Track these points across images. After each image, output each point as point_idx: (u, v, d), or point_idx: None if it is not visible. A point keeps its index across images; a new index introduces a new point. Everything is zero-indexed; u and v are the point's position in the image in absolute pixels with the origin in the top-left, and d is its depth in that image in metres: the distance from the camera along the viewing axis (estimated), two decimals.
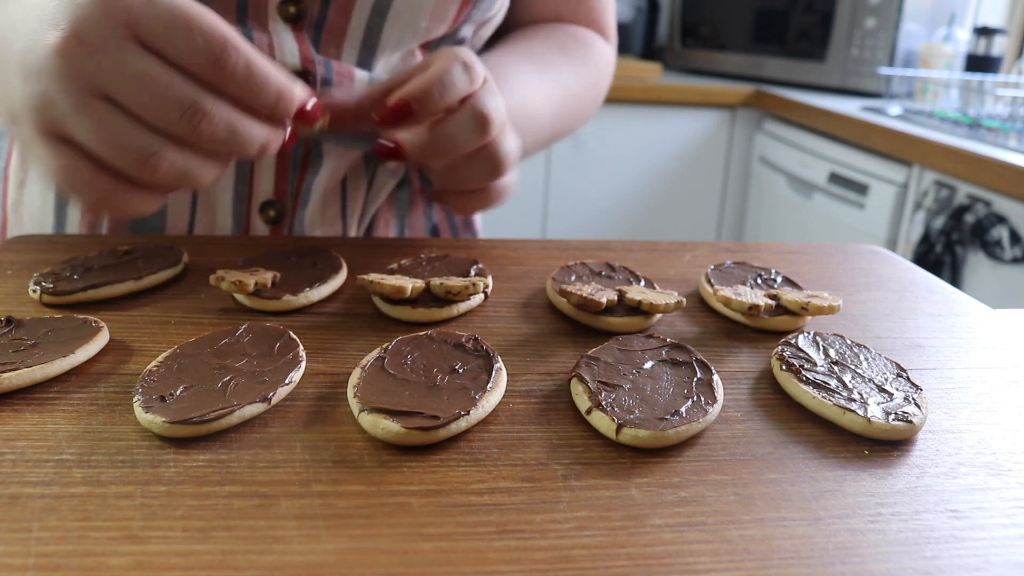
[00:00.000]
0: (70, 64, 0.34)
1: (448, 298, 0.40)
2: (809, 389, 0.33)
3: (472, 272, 0.45)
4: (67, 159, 0.35)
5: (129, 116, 0.35)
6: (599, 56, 0.67)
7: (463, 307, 0.41)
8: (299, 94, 0.38)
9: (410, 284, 0.40)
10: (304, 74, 0.51)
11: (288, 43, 0.50)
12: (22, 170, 0.57)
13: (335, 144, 0.55)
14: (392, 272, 0.44)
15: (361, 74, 0.53)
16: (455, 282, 0.41)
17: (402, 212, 0.61)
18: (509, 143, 0.46)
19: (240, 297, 0.40)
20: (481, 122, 0.43)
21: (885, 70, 1.73)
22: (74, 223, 0.55)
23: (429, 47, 0.58)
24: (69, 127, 0.35)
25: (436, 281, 0.41)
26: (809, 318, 0.42)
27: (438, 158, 0.44)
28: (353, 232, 0.59)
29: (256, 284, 0.39)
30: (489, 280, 0.43)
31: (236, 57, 0.35)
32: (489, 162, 0.45)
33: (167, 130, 0.35)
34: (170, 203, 0.54)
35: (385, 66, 0.55)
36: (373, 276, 0.40)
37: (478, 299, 0.42)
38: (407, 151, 0.44)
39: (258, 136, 0.37)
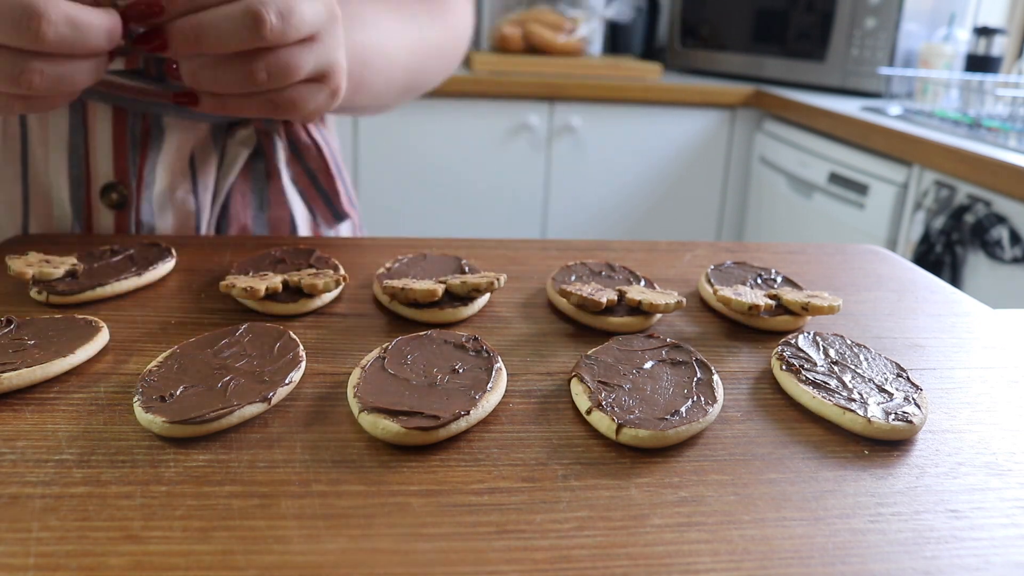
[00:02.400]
0: None
1: (471, 296, 0.40)
2: (809, 389, 0.33)
3: (323, 264, 0.44)
4: None
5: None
6: (460, 12, 0.65)
7: (476, 305, 0.41)
8: None
9: (426, 285, 0.40)
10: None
11: None
12: None
13: (176, 117, 0.52)
14: (253, 273, 0.43)
15: None
16: (475, 279, 0.41)
17: (259, 185, 0.58)
18: (302, 55, 0.41)
19: (249, 302, 0.40)
20: (254, 20, 0.38)
21: (885, 70, 1.73)
22: None
23: None
24: None
25: (456, 280, 0.41)
26: (809, 318, 0.42)
27: (193, 49, 0.39)
28: (207, 212, 0.56)
29: (267, 289, 0.39)
30: (502, 278, 0.41)
31: None
32: (259, 69, 0.40)
33: (16, 44, 0.36)
34: (0, 200, 0.52)
35: None
36: (404, 282, 0.40)
37: (484, 299, 0.42)
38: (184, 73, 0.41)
39: (100, 23, 0.37)
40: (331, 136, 0.66)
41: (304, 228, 0.61)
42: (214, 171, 0.56)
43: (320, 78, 0.43)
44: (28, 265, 0.41)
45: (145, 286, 0.43)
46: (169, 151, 0.53)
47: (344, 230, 0.66)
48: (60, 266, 0.41)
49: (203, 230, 0.56)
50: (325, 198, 0.60)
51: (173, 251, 0.45)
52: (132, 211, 0.53)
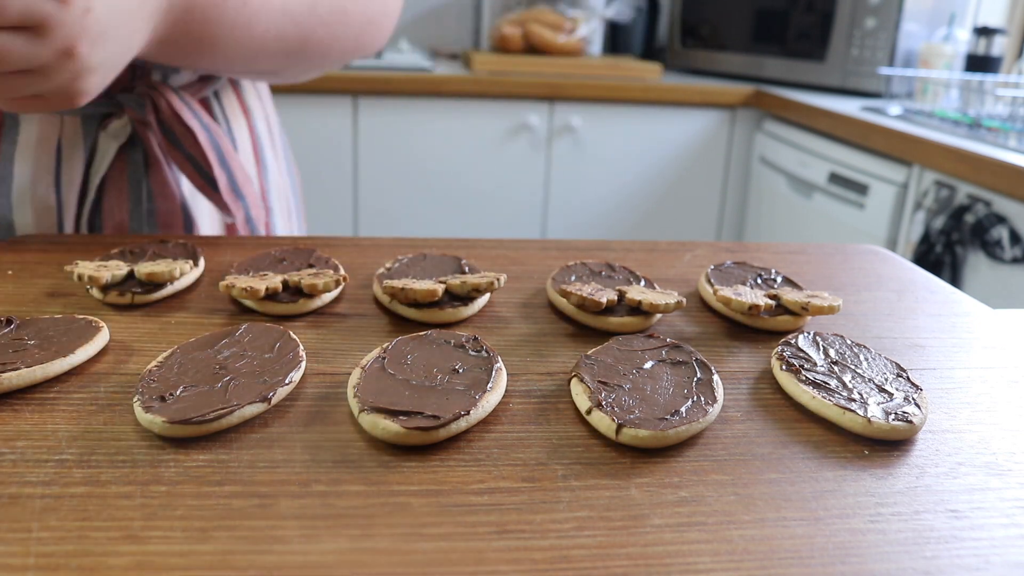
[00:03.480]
0: None
1: (472, 295, 0.40)
2: (809, 389, 0.33)
3: (323, 264, 0.44)
4: None
5: None
6: None
7: (476, 305, 0.41)
8: None
9: (426, 285, 0.40)
10: None
11: None
12: None
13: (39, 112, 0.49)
14: (253, 273, 0.43)
15: None
16: (475, 279, 0.41)
17: (137, 177, 0.54)
18: (82, 55, 0.38)
19: (249, 302, 0.40)
20: (40, 30, 0.35)
21: (885, 70, 1.73)
22: None
23: None
24: None
25: (456, 280, 0.41)
26: (809, 318, 0.42)
27: None
28: (72, 208, 0.53)
29: (267, 289, 0.39)
30: (502, 278, 0.41)
31: None
32: (50, 77, 0.37)
33: None
34: None
35: None
36: (404, 282, 0.40)
37: (484, 299, 0.42)
38: None
39: None
40: (235, 122, 0.61)
41: (206, 221, 0.57)
42: (81, 165, 0.53)
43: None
44: (95, 270, 0.40)
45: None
46: (27, 144, 0.51)
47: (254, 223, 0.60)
48: (120, 268, 0.41)
49: (67, 227, 0.53)
50: (213, 187, 0.55)
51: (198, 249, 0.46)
52: None
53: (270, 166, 0.65)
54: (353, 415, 0.30)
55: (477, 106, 1.77)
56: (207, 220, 0.58)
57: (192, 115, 0.54)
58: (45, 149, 0.51)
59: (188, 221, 0.56)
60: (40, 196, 0.52)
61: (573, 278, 0.44)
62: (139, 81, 0.53)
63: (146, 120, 0.53)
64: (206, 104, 0.59)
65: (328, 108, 1.73)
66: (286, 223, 0.68)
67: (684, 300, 0.40)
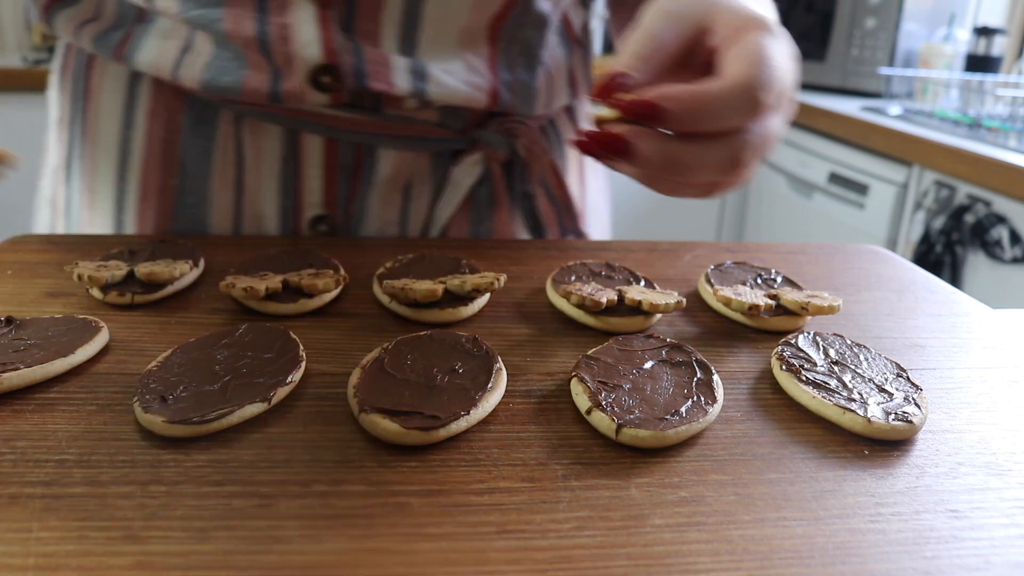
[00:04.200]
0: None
1: (472, 295, 0.40)
2: (809, 389, 0.33)
3: (323, 264, 0.45)
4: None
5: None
6: None
7: (476, 305, 0.41)
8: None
9: (426, 285, 0.40)
10: (328, 69, 0.46)
11: (307, 30, 0.45)
12: (90, 192, 0.55)
13: (391, 147, 0.50)
14: (253, 273, 0.43)
15: (400, 61, 0.47)
16: (475, 279, 0.41)
17: (479, 216, 0.54)
18: (778, 123, 0.36)
19: (249, 302, 0.40)
20: (752, 102, 0.32)
21: (885, 70, 1.73)
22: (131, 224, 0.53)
23: (503, 26, 0.49)
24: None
25: (456, 280, 0.41)
26: (809, 318, 0.42)
27: (688, 128, 0.33)
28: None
29: (267, 289, 0.39)
30: (502, 278, 0.42)
31: None
32: (744, 146, 0.34)
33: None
34: (211, 221, 0.52)
35: (433, 51, 0.48)
36: (404, 282, 0.40)
37: (484, 299, 0.42)
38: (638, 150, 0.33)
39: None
40: (567, 145, 0.61)
41: None
42: (428, 200, 0.53)
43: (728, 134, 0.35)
44: (95, 270, 0.40)
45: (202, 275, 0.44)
46: (381, 181, 0.52)
47: None
48: (120, 268, 0.41)
49: None
50: (559, 215, 0.56)
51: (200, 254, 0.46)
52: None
53: (591, 186, 0.64)
54: (353, 415, 0.30)
55: None
56: None
57: (548, 146, 0.55)
58: (394, 186, 0.52)
59: None
60: (384, 231, 0.53)
61: (573, 278, 0.44)
62: (495, 119, 0.53)
63: (500, 157, 0.52)
64: (544, 131, 0.58)
65: None
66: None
67: (684, 300, 0.40)
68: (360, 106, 0.49)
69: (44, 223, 0.60)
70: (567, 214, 0.57)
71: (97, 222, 0.54)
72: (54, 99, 0.58)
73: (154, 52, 0.48)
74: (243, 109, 0.49)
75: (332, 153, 0.50)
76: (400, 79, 0.47)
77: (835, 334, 0.38)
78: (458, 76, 0.49)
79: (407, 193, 0.53)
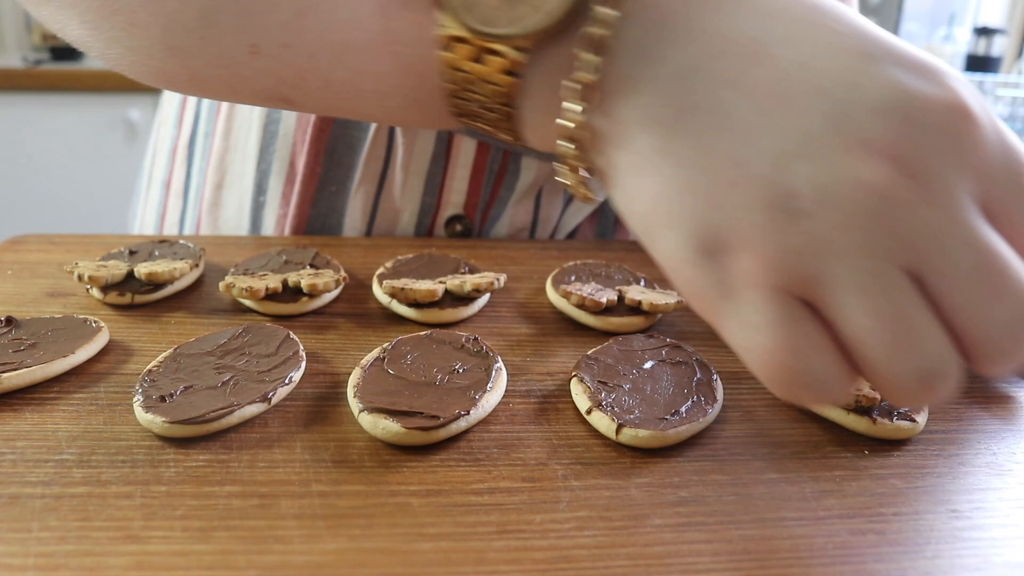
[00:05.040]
0: (884, 198, 0.22)
1: (472, 295, 0.40)
2: None
3: (323, 264, 0.45)
4: (802, 331, 0.23)
5: (935, 311, 0.23)
6: None
7: (476, 305, 0.41)
8: None
9: (426, 285, 0.40)
10: None
11: None
12: (219, 170, 0.55)
13: (535, 157, 0.51)
14: (253, 273, 0.43)
15: None
16: (475, 279, 0.41)
17: (604, 227, 0.55)
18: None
19: (249, 302, 0.40)
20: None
21: None
22: (269, 226, 0.54)
23: None
24: (833, 293, 0.23)
25: (456, 280, 0.41)
26: None
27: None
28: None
29: (267, 289, 0.39)
30: (502, 278, 0.42)
31: None
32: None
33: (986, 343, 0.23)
34: (348, 211, 0.52)
35: None
36: (404, 282, 0.40)
37: (484, 299, 0.42)
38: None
39: None
40: None
41: None
42: (559, 209, 0.54)
43: None
44: (95, 270, 0.40)
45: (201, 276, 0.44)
46: (521, 187, 0.53)
47: None
48: (120, 268, 0.41)
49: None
50: None
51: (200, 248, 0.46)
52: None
53: None
54: (353, 415, 0.30)
55: None
56: None
57: None
58: (529, 192, 0.53)
59: None
60: (514, 233, 0.54)
61: (573, 278, 0.44)
62: None
63: None
64: None
65: None
66: None
67: (684, 300, 0.40)
68: None
69: (153, 206, 0.60)
70: None
71: (228, 200, 0.55)
72: None
73: None
74: None
75: (482, 157, 0.51)
76: None
77: None
78: None
79: (539, 200, 0.54)
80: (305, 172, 0.52)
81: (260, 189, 0.54)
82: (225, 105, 0.54)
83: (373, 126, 0.51)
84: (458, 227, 0.53)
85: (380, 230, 0.53)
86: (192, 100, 0.57)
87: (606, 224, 0.56)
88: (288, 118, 0.52)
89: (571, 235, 0.56)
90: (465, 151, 0.51)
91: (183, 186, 0.58)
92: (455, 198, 0.52)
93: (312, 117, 0.51)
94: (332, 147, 0.52)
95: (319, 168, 0.52)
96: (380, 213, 0.53)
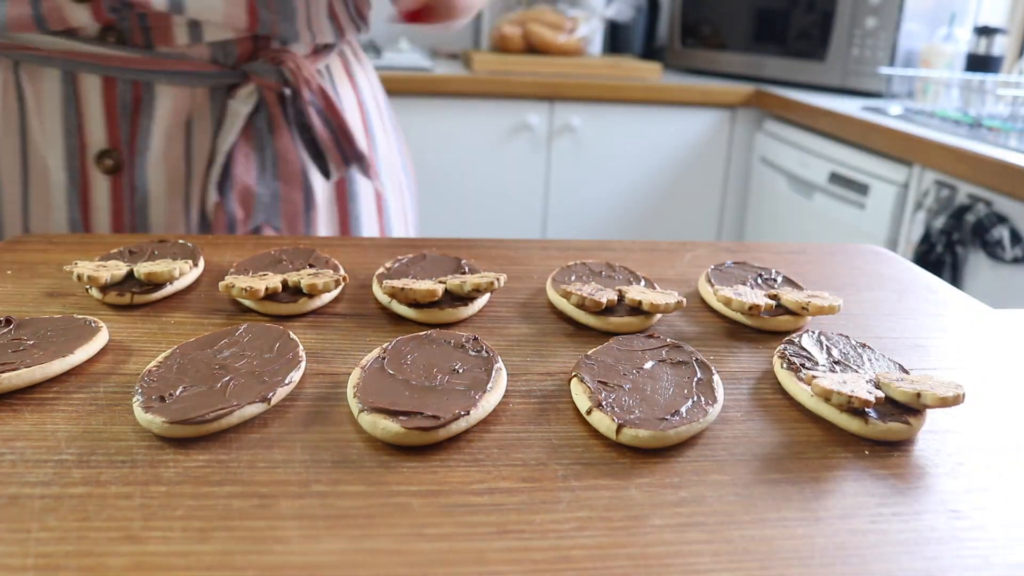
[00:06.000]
0: None
1: (472, 295, 0.40)
2: (809, 388, 0.33)
3: (323, 264, 0.45)
4: None
5: None
6: None
7: (476, 305, 0.41)
8: None
9: (426, 285, 0.40)
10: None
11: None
12: None
13: (169, 83, 0.53)
14: (253, 273, 0.43)
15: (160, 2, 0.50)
16: (475, 279, 0.41)
17: (262, 143, 0.57)
18: None
19: (248, 302, 0.40)
20: None
21: (885, 70, 1.73)
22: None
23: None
24: None
25: (456, 280, 0.41)
26: (810, 318, 0.42)
27: None
28: (200, 172, 0.56)
29: (267, 289, 0.39)
30: (502, 278, 0.42)
31: None
32: None
33: None
34: (1, 173, 0.53)
35: None
36: (404, 282, 0.40)
37: (484, 299, 0.42)
38: None
39: None
40: (344, 93, 0.64)
41: (318, 182, 0.60)
42: (210, 133, 0.56)
43: None
44: (95, 270, 0.40)
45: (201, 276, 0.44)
46: (163, 116, 0.54)
47: (364, 192, 0.64)
48: (120, 268, 0.41)
49: (194, 194, 0.56)
50: (336, 139, 0.59)
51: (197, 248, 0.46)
52: (125, 176, 0.54)
53: (379, 139, 0.68)
54: (353, 415, 0.30)
55: (477, 106, 1.77)
56: (320, 183, 0.61)
57: (319, 78, 0.58)
58: (176, 120, 0.54)
59: (307, 185, 0.59)
60: (172, 166, 0.55)
61: (573, 278, 0.44)
62: (262, 52, 0.57)
63: (272, 85, 0.55)
64: (319, 72, 0.61)
65: None
66: (398, 198, 0.70)
67: (684, 300, 0.40)
68: (132, 44, 0.51)
69: None
70: (345, 139, 0.59)
71: None
72: None
73: None
74: (20, 55, 0.51)
75: (111, 91, 0.52)
76: None
77: (839, 334, 0.38)
78: None
79: (189, 128, 0.55)
80: None
81: None
82: None
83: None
84: (108, 162, 0.53)
85: (36, 180, 0.53)
86: None
87: (261, 142, 0.57)
88: None
89: (230, 160, 0.56)
90: (91, 88, 0.52)
91: None
92: (97, 135, 0.53)
93: None
94: None
95: None
96: (31, 162, 0.53)
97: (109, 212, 0.55)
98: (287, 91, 0.57)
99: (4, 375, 0.31)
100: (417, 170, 1.92)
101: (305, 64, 0.57)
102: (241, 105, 0.56)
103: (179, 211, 0.57)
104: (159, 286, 0.41)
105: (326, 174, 0.59)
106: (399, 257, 0.46)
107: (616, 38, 2.14)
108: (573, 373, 0.33)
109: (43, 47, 0.51)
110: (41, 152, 0.53)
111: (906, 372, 0.35)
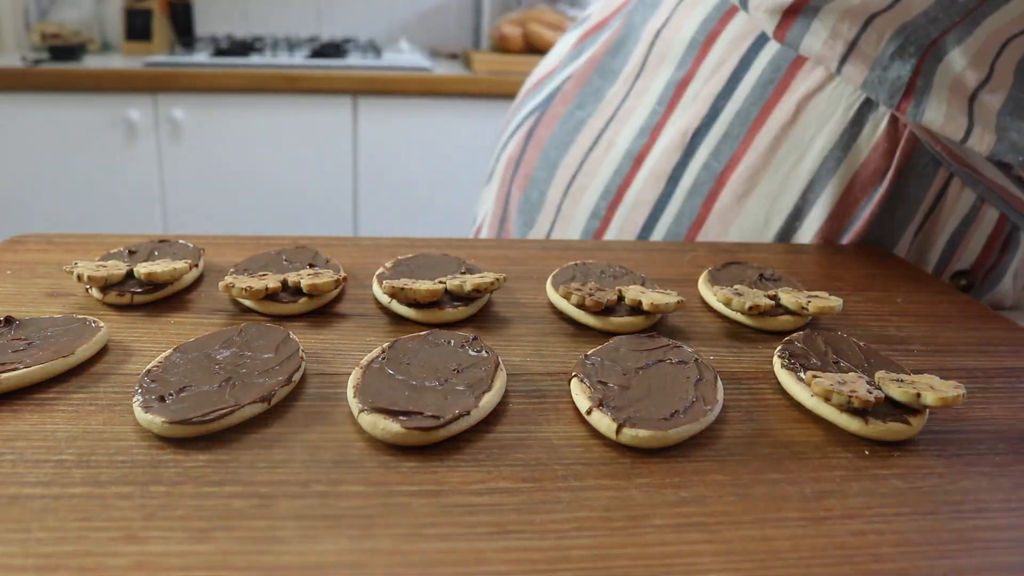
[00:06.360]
0: None
1: (472, 295, 0.40)
2: (809, 388, 0.33)
3: (323, 264, 0.44)
4: None
5: None
6: None
7: (476, 305, 0.41)
8: None
9: (426, 285, 0.40)
10: None
11: None
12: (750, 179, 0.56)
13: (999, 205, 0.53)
14: (253, 273, 0.43)
15: None
16: (476, 279, 0.41)
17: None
18: None
19: (248, 302, 0.40)
20: None
21: None
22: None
23: None
24: None
25: (456, 280, 0.41)
26: (810, 318, 0.42)
27: None
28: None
29: (267, 289, 0.39)
30: (503, 278, 0.42)
31: None
32: None
33: None
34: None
35: None
36: (404, 282, 0.40)
37: (484, 299, 0.42)
38: None
39: None
40: None
41: None
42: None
43: None
44: (95, 270, 0.40)
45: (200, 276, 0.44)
46: (1016, 260, 0.54)
47: None
48: (120, 268, 0.41)
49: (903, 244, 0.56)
50: None
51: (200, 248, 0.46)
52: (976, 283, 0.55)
53: None
54: (353, 415, 0.30)
55: (477, 106, 1.77)
56: None
57: None
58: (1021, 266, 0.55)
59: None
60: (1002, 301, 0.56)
61: (573, 278, 0.44)
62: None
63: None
64: None
65: (328, 108, 1.73)
66: None
67: (684, 300, 0.40)
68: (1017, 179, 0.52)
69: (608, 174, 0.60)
70: None
71: (744, 226, 0.56)
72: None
73: (942, 112, 0.49)
74: (959, 170, 0.51)
75: (1000, 227, 0.53)
76: None
77: (839, 334, 0.38)
78: None
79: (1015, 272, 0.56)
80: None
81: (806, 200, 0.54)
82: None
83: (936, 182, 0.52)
84: (962, 281, 0.55)
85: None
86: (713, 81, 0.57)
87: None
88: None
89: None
90: (987, 218, 0.53)
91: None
92: (967, 257, 0.54)
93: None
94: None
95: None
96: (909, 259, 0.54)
97: None
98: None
99: (4, 375, 0.31)
100: (417, 170, 1.91)
101: None
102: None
103: None
104: (159, 286, 0.41)
105: None
106: (399, 257, 0.46)
107: None
108: (573, 373, 0.33)
109: (980, 170, 0.51)
110: (924, 259, 0.54)
111: (906, 372, 0.35)
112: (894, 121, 0.52)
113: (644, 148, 0.59)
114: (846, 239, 0.54)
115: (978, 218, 0.53)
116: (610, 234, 0.60)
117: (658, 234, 0.58)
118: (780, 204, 0.55)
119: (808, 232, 0.55)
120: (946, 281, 0.54)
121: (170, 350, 0.34)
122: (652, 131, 0.59)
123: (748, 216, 0.55)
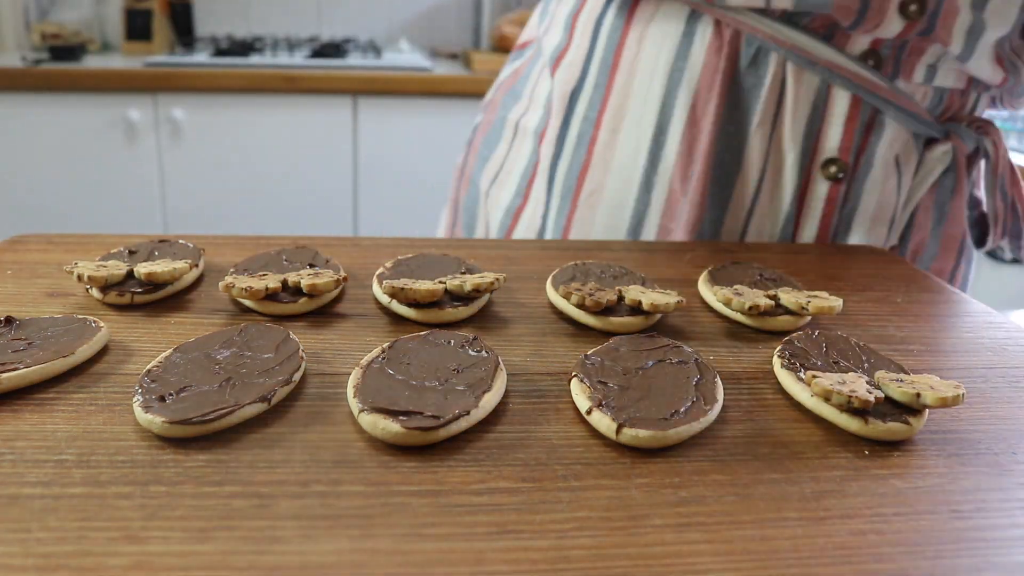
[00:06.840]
0: None
1: (472, 295, 0.40)
2: (809, 388, 0.33)
3: (323, 264, 0.45)
4: None
5: None
6: None
7: (476, 305, 0.41)
8: None
9: (426, 285, 0.40)
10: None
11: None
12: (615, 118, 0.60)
13: (894, 118, 0.55)
14: (253, 273, 0.43)
15: (965, 15, 0.51)
16: (476, 279, 0.41)
17: (942, 199, 0.59)
18: None
19: (248, 302, 0.40)
20: None
21: None
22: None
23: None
24: None
25: (456, 280, 0.41)
26: (809, 318, 0.42)
27: None
28: (896, 214, 0.58)
29: (267, 289, 0.39)
30: (503, 278, 0.42)
31: None
32: None
33: None
34: (746, 159, 0.56)
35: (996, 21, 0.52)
36: (404, 282, 0.40)
37: (484, 299, 0.42)
38: None
39: None
40: None
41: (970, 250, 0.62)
42: (911, 177, 0.58)
43: None
44: (95, 270, 0.40)
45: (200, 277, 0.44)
46: (884, 145, 0.56)
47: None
48: (120, 268, 0.41)
49: (896, 226, 0.58)
50: (1006, 212, 0.60)
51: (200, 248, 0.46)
52: (843, 186, 0.56)
53: None
54: (353, 415, 0.30)
55: (477, 106, 1.76)
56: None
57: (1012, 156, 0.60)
58: (890, 155, 0.57)
59: (961, 247, 0.60)
60: (887, 193, 0.57)
61: (573, 278, 0.44)
62: (964, 115, 0.59)
63: (966, 151, 0.57)
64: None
65: (328, 108, 1.73)
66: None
67: (684, 300, 0.40)
68: (883, 72, 0.55)
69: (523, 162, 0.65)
70: (1012, 214, 0.61)
71: (620, 158, 0.59)
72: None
73: None
74: (789, 54, 0.54)
75: (855, 108, 0.55)
76: (958, 30, 0.52)
77: (837, 334, 0.38)
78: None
79: (897, 162, 0.57)
80: (712, 125, 0.56)
81: (658, 143, 0.57)
82: (623, 76, 0.59)
83: (771, 72, 0.55)
84: (832, 169, 0.56)
85: (768, 178, 0.56)
86: (576, 74, 0.62)
87: (943, 198, 0.59)
88: (692, 76, 0.56)
89: (916, 209, 0.59)
90: (840, 100, 0.55)
91: (550, 165, 0.63)
92: (830, 143, 0.56)
93: (716, 69, 0.55)
94: (734, 99, 0.56)
95: (722, 111, 0.56)
96: (769, 165, 0.56)
97: (819, 215, 0.57)
98: (983, 162, 0.58)
99: (4, 375, 0.31)
100: (418, 170, 1.91)
101: (1001, 140, 0.58)
102: (936, 161, 0.58)
103: (881, 237, 0.58)
104: (159, 286, 0.41)
105: (979, 243, 0.61)
106: (399, 257, 0.46)
107: None
108: (573, 373, 0.33)
109: (810, 50, 0.53)
110: (782, 149, 0.56)
111: (906, 372, 0.35)
112: (717, 24, 0.55)
113: (545, 124, 0.64)
114: (703, 142, 0.56)
115: (829, 102, 0.55)
116: (528, 208, 0.65)
117: (557, 186, 0.62)
118: (644, 126, 0.58)
119: (672, 146, 0.57)
120: (817, 172, 0.56)
121: (170, 350, 0.34)
122: (547, 104, 0.64)
123: (622, 148, 0.59)
